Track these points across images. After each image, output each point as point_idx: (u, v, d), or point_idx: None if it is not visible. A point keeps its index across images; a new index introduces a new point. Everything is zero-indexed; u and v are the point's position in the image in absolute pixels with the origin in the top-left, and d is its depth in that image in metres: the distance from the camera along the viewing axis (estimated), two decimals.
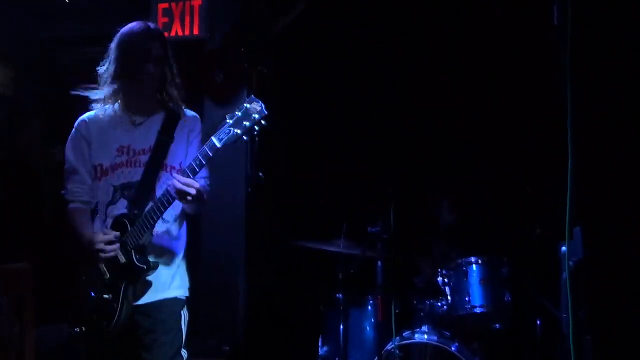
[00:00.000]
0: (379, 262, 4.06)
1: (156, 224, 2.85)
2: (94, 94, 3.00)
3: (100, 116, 2.99)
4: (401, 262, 4.30)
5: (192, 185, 2.71)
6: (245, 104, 2.64)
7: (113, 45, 2.95)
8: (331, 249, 4.17)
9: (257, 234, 5.03)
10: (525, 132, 4.76)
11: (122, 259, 2.82)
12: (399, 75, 5.15)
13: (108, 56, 2.96)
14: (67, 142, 3.03)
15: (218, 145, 2.65)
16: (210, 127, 4.85)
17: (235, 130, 2.63)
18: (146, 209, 2.83)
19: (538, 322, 4.05)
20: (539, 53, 3.76)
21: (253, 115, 2.61)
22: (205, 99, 5.01)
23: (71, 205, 3.01)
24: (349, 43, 5.15)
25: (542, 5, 2.23)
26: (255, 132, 2.65)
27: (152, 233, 2.86)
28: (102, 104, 2.99)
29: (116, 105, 2.99)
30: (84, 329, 2.88)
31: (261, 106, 2.62)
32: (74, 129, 3.03)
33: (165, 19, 4.95)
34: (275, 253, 5.20)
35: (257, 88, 5.02)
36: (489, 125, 4.97)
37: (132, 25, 2.96)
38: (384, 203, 4.03)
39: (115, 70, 2.91)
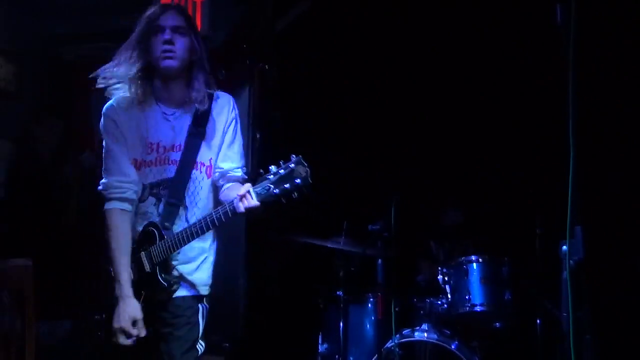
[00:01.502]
0: (379, 260, 4.06)
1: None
2: (112, 73, 2.81)
3: (127, 104, 2.82)
4: (401, 261, 4.30)
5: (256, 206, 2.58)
6: (291, 164, 2.50)
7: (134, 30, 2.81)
8: (332, 246, 4.17)
9: (257, 231, 5.03)
10: (527, 132, 4.76)
11: (147, 268, 2.77)
12: (403, 73, 5.15)
13: (128, 45, 2.81)
14: (102, 131, 2.86)
15: (256, 200, 2.55)
16: None
17: (275, 190, 2.51)
18: (179, 230, 2.73)
19: (538, 321, 4.05)
20: (542, 53, 3.76)
21: (296, 180, 2.48)
22: None
23: (108, 205, 2.80)
24: (352, 41, 5.15)
25: (545, 5, 2.23)
26: (294, 197, 2.52)
27: (179, 251, 2.77)
28: (128, 92, 2.81)
29: (142, 90, 2.80)
30: (104, 316, 2.83)
31: (307, 172, 2.49)
32: (105, 116, 2.85)
33: None
34: (275, 250, 5.20)
35: (260, 86, 5.02)
36: (491, 125, 4.97)
37: (150, 8, 2.84)
38: (385, 201, 4.03)
39: (136, 52, 2.76)
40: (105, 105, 2.86)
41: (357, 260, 4.29)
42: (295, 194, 2.51)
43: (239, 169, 2.94)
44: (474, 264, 4.17)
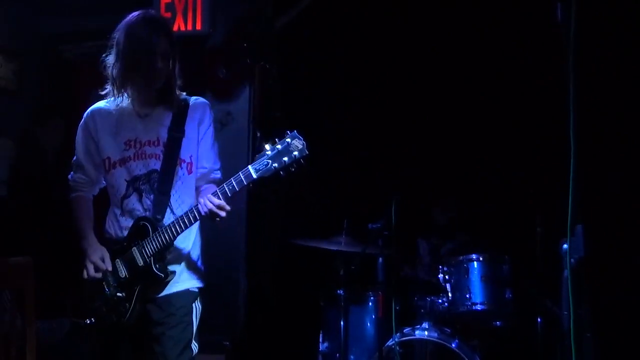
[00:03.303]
0: (380, 259, 4.06)
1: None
2: (104, 89, 2.97)
3: (108, 108, 2.96)
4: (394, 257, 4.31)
5: (225, 208, 2.71)
6: (287, 139, 2.63)
7: (119, 36, 2.87)
8: (332, 247, 4.17)
9: (258, 229, 5.03)
10: (527, 130, 4.76)
11: (140, 262, 2.82)
12: (403, 72, 5.15)
13: (113, 47, 2.89)
14: (77, 132, 3.03)
15: (254, 176, 2.65)
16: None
17: (273, 164, 2.62)
18: (169, 222, 2.81)
19: (539, 319, 4.05)
20: (542, 52, 3.76)
21: (294, 152, 2.61)
22: (207, 94, 5.00)
23: (73, 194, 3.05)
24: (353, 39, 5.15)
25: (546, 4, 2.22)
26: (293, 170, 2.64)
27: (172, 244, 2.85)
28: (111, 96, 2.95)
29: (125, 96, 2.93)
30: (93, 320, 2.89)
31: (303, 145, 2.63)
32: (82, 120, 3.02)
33: (168, 14, 4.93)
34: (276, 248, 5.20)
35: (260, 84, 5.02)
36: (491, 124, 4.97)
37: (137, 17, 2.88)
38: (386, 200, 4.03)
39: (122, 65, 2.85)
40: (87, 110, 3.02)
41: (357, 259, 4.29)
42: (294, 166, 2.64)
43: (218, 171, 3.06)
44: (475, 263, 4.18)
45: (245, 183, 2.67)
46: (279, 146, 2.63)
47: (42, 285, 2.94)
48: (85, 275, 2.88)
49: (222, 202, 2.70)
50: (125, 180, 2.91)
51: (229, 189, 2.70)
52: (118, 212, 2.93)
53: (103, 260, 2.86)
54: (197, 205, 2.76)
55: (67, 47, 5.59)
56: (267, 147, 2.65)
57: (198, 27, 4.93)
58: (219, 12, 4.99)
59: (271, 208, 5.26)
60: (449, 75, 5.05)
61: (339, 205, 4.88)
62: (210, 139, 3.03)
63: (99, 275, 2.86)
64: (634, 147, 4.27)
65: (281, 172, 2.64)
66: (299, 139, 2.64)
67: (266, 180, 2.68)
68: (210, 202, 2.70)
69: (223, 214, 2.71)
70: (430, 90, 5.10)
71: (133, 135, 2.92)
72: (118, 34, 2.88)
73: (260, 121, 4.97)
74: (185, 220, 2.77)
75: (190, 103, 2.99)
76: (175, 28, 4.89)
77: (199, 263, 3.02)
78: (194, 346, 2.91)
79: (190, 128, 2.95)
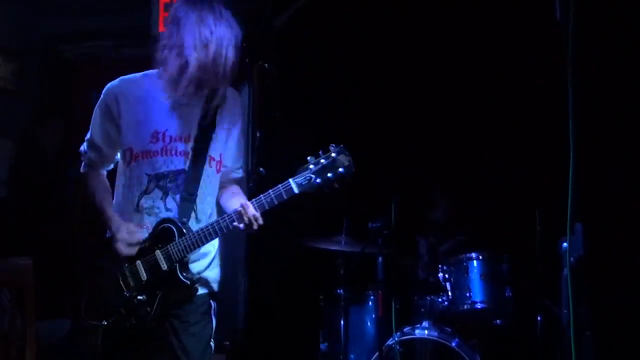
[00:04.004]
0: (380, 258, 4.07)
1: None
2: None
3: (137, 87, 2.69)
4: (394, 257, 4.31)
5: (258, 221, 2.56)
6: (332, 153, 2.50)
7: (192, 31, 2.57)
8: (332, 248, 4.18)
9: (258, 229, 5.02)
10: (527, 130, 4.76)
11: (164, 267, 2.63)
12: (402, 71, 5.14)
13: (175, 29, 2.60)
14: (95, 110, 2.75)
15: (296, 191, 2.50)
16: None
17: (317, 179, 2.48)
18: (195, 227, 2.65)
19: (538, 318, 4.06)
20: (542, 52, 3.76)
21: (339, 169, 2.48)
22: None
23: (86, 169, 2.82)
24: (352, 38, 5.15)
25: (545, 3, 2.22)
26: (336, 187, 2.50)
27: (198, 250, 2.68)
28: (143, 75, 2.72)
29: (154, 75, 2.69)
30: (110, 321, 2.68)
31: (350, 161, 2.49)
32: (102, 94, 2.73)
33: (167, 14, 4.92)
34: (276, 248, 5.20)
35: (259, 84, 5.01)
36: (491, 124, 4.97)
37: (219, 21, 2.68)
38: (385, 199, 4.03)
39: (183, 64, 2.56)
40: (108, 85, 2.75)
41: (357, 258, 4.29)
42: (338, 183, 2.49)
43: (240, 169, 2.92)
44: (474, 261, 4.18)
45: (285, 197, 2.52)
46: (323, 161, 2.49)
47: (42, 285, 2.92)
48: (120, 250, 2.64)
49: (257, 214, 2.54)
50: (147, 174, 2.68)
51: (266, 201, 2.54)
52: (134, 207, 2.70)
53: (133, 235, 2.65)
54: (232, 214, 2.58)
55: (67, 47, 5.59)
56: (311, 160, 2.50)
57: None
58: None
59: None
60: (448, 75, 5.05)
61: (339, 204, 4.88)
62: (237, 134, 2.82)
63: (134, 251, 2.64)
64: (633, 146, 4.27)
65: (325, 190, 2.50)
66: (346, 154, 2.50)
67: (307, 195, 2.52)
68: (249, 211, 2.53)
69: (255, 226, 2.56)
70: (430, 90, 5.10)
71: (163, 127, 2.67)
72: (192, 26, 2.59)
73: (259, 121, 4.96)
74: (217, 228, 2.59)
75: (222, 94, 2.71)
76: None
77: (219, 266, 2.88)
78: (212, 343, 2.79)
79: (221, 122, 2.75)
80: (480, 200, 4.92)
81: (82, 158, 2.83)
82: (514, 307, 4.15)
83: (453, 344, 3.94)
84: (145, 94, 2.70)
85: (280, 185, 2.53)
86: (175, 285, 2.65)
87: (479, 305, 4.11)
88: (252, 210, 2.54)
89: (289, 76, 5.21)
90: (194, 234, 2.62)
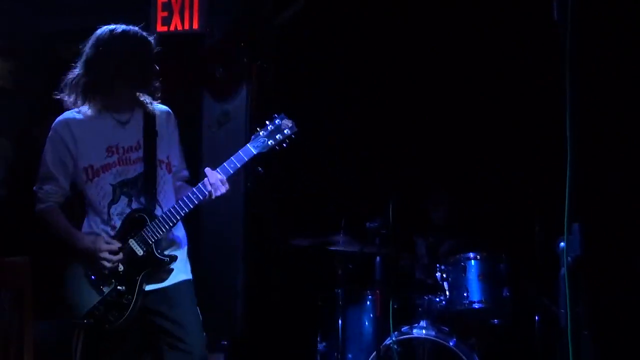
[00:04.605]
0: (378, 258, 4.07)
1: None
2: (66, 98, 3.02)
3: (81, 117, 2.99)
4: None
5: (225, 183, 2.92)
6: (277, 120, 2.99)
7: (94, 52, 3.00)
8: (330, 248, 4.18)
9: (256, 228, 5.03)
10: (526, 130, 4.76)
11: (140, 252, 2.89)
12: (401, 71, 5.15)
13: (83, 60, 3.01)
14: (46, 144, 3.02)
15: (254, 152, 2.95)
16: (210, 122, 4.86)
17: (269, 141, 2.96)
18: (170, 206, 2.92)
19: (536, 317, 4.06)
20: (542, 52, 3.76)
21: (285, 130, 2.98)
22: (204, 93, 5.01)
23: (44, 205, 3.01)
24: (350, 38, 5.15)
25: (544, 2, 2.23)
26: (285, 145, 2.99)
27: (172, 229, 2.94)
28: (76, 106, 3.01)
29: (91, 105, 2.98)
30: (90, 320, 2.89)
31: (292, 123, 3.01)
32: (52, 130, 3.02)
33: (165, 13, 4.92)
34: (274, 247, 5.20)
35: (257, 83, 5.01)
36: (491, 123, 4.97)
37: (112, 31, 3.01)
38: (383, 199, 4.03)
39: (95, 82, 2.95)
40: (55, 121, 3.04)
41: (355, 258, 4.29)
42: (287, 141, 3.00)
43: (185, 169, 3.20)
44: (472, 261, 4.18)
45: (246, 159, 2.94)
46: (270, 127, 2.98)
47: (41, 285, 2.93)
48: (105, 266, 2.86)
49: (223, 177, 2.90)
50: (111, 184, 2.95)
51: (230, 166, 2.91)
52: (104, 218, 2.94)
53: (109, 243, 2.89)
54: (199, 184, 2.90)
55: (64, 46, 5.57)
56: (259, 128, 2.99)
57: (195, 26, 4.92)
58: (216, 12, 4.98)
59: (269, 207, 5.26)
60: (448, 75, 5.05)
61: (337, 204, 4.88)
62: (177, 138, 3.15)
63: (120, 257, 2.87)
64: (632, 146, 4.27)
65: (276, 147, 2.98)
66: (287, 119, 3.00)
67: (262, 156, 2.96)
68: (213, 176, 2.86)
69: (224, 189, 2.90)
70: (429, 90, 5.10)
71: (114, 141, 2.97)
72: (93, 50, 3.01)
73: (258, 120, 4.96)
74: (187, 201, 2.88)
75: (155, 104, 3.09)
76: (172, 27, 4.89)
77: (186, 255, 3.11)
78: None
79: (162, 128, 3.06)
80: (480, 201, 4.93)
81: (37, 196, 3.02)
82: (511, 306, 4.15)
83: (451, 344, 3.94)
84: (90, 118, 2.99)
85: (239, 150, 2.96)
86: (153, 266, 2.90)
87: (476, 305, 4.11)
88: (217, 175, 2.90)
89: (288, 76, 5.22)
90: (165, 212, 2.91)
